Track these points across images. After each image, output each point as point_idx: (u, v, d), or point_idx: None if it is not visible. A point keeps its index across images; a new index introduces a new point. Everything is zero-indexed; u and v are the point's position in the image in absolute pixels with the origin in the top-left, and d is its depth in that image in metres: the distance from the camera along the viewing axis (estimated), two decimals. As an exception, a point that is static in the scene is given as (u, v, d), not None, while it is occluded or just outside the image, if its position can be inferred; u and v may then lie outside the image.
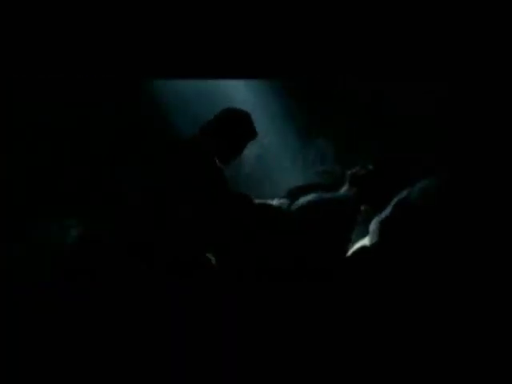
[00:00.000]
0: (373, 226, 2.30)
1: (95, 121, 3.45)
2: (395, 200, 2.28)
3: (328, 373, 1.92)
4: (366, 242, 2.32)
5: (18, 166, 3.03)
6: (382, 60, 2.68)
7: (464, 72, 2.66)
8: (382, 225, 2.24)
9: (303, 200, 2.42)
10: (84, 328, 2.05)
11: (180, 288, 2.03)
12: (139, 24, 2.59)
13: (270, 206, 2.48)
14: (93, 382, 1.93)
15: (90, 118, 3.43)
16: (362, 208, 2.45)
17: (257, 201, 2.44)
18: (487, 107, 2.84)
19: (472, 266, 2.03)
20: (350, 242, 2.34)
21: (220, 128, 2.31)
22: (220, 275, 2.15)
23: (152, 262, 2.09)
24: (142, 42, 2.63)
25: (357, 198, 2.40)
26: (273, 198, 2.61)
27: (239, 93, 3.66)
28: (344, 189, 2.51)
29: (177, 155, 2.26)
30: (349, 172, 2.54)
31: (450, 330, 1.95)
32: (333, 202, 2.36)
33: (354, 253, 2.26)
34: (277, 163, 4.00)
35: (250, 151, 3.94)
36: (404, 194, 2.28)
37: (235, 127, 2.33)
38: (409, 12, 2.56)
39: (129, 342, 1.99)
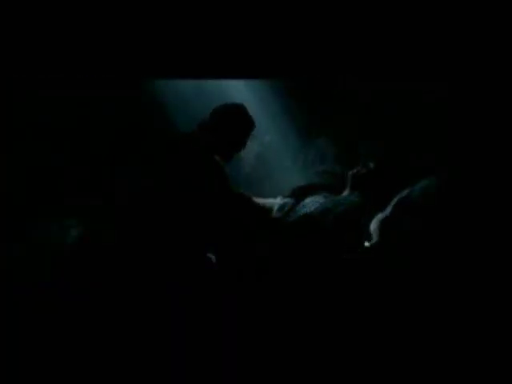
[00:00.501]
0: (373, 225, 2.30)
1: (95, 121, 3.44)
2: (395, 199, 2.28)
3: (328, 373, 1.92)
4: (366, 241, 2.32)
5: (18, 165, 3.02)
6: (382, 60, 2.68)
7: (464, 72, 2.66)
8: (382, 224, 2.24)
9: (309, 201, 2.41)
10: (84, 328, 2.05)
11: (180, 288, 2.03)
12: (139, 24, 2.59)
13: (271, 206, 2.48)
14: (93, 382, 1.93)
15: (89, 118, 3.42)
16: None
17: (258, 200, 2.44)
18: (487, 107, 2.83)
19: (472, 265, 2.03)
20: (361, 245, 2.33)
21: (217, 123, 2.32)
22: (220, 275, 2.15)
23: (152, 262, 2.09)
24: (142, 41, 2.63)
25: (363, 202, 2.38)
26: (275, 197, 2.61)
27: (239, 93, 3.66)
28: (346, 191, 2.50)
29: (176, 154, 2.26)
30: (350, 173, 2.54)
31: (450, 329, 1.95)
32: (345, 209, 2.34)
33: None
34: (277, 163, 4.00)
35: (250, 150, 3.94)
36: (404, 193, 2.28)
37: (232, 121, 2.34)
38: (409, 12, 2.56)
39: (129, 342, 1.99)
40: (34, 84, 2.95)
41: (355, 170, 2.55)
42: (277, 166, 3.97)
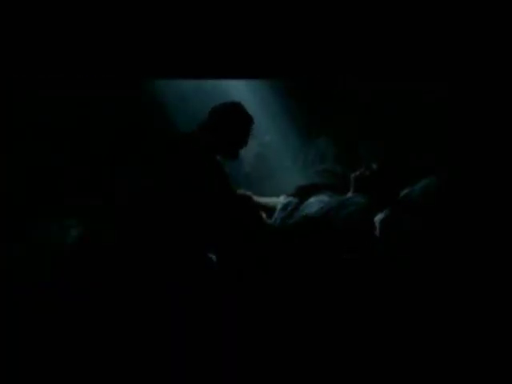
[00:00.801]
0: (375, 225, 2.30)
1: (95, 121, 3.45)
2: (396, 199, 2.28)
3: (328, 373, 1.92)
4: (366, 241, 2.32)
5: (18, 165, 3.03)
6: (382, 60, 2.68)
7: (464, 72, 2.66)
8: (382, 224, 2.25)
9: (313, 200, 2.41)
10: (84, 328, 2.05)
11: (180, 288, 2.03)
12: (139, 24, 2.59)
13: (274, 205, 2.47)
14: (93, 382, 1.93)
15: (89, 118, 3.42)
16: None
17: (262, 199, 2.44)
18: (487, 107, 2.84)
19: (472, 265, 2.04)
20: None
21: (216, 123, 2.32)
22: (220, 275, 2.15)
23: (152, 262, 2.09)
24: (142, 41, 2.63)
25: (370, 203, 2.38)
26: (277, 196, 2.60)
27: (239, 93, 3.66)
28: (350, 193, 2.50)
29: (176, 154, 2.26)
30: (353, 175, 2.53)
31: (450, 329, 1.95)
32: (354, 210, 2.33)
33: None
34: (277, 163, 4.00)
35: (250, 150, 3.94)
36: (404, 193, 2.28)
37: (231, 119, 2.34)
38: (409, 12, 2.56)
39: (129, 342, 1.99)
40: (34, 84, 2.95)
41: (358, 173, 2.54)
42: (277, 165, 3.97)
